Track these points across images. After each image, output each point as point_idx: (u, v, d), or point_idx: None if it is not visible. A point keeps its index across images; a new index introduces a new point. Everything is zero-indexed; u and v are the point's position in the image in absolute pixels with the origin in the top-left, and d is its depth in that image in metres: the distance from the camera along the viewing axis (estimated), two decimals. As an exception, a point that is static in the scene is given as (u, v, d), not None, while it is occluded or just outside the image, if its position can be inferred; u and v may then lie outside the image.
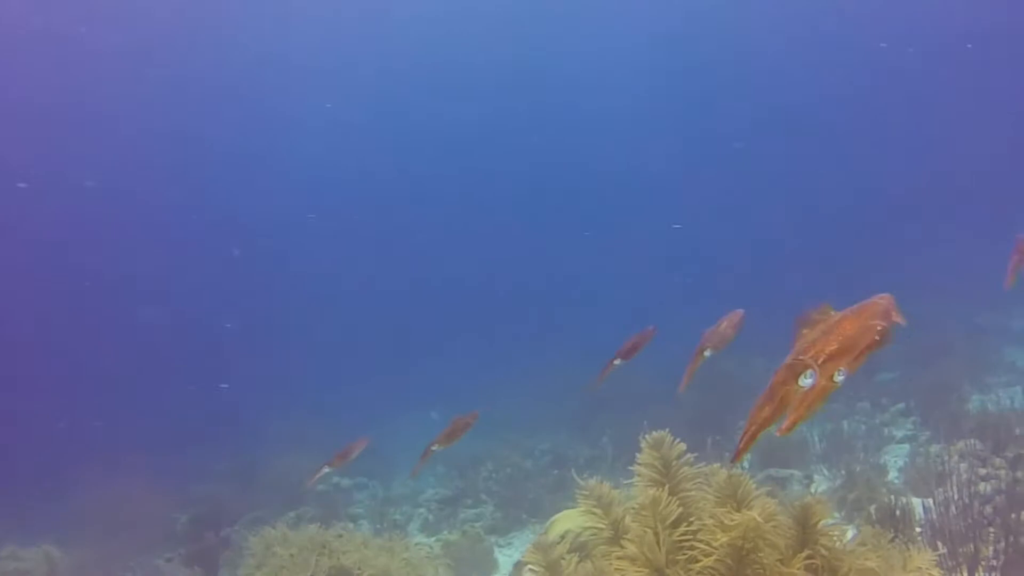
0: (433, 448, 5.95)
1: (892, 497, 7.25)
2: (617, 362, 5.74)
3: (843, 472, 8.78)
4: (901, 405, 11.98)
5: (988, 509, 5.78)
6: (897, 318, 2.61)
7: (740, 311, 5.32)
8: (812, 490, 8.81)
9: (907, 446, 10.10)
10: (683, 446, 3.81)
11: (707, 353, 5.18)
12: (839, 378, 2.34)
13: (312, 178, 38.03)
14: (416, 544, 8.97)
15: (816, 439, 10.05)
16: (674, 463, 3.82)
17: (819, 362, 2.35)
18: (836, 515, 7.85)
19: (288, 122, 36.88)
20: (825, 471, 9.33)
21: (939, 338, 14.92)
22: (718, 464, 3.93)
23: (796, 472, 9.35)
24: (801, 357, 2.35)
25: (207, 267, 34.95)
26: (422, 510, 11.80)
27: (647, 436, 3.84)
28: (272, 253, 37.15)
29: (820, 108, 38.51)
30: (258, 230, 37.03)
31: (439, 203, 40.53)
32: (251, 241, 35.80)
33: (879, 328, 2.52)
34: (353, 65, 35.81)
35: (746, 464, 9.97)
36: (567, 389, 15.40)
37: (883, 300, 2.66)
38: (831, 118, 38.70)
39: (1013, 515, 5.02)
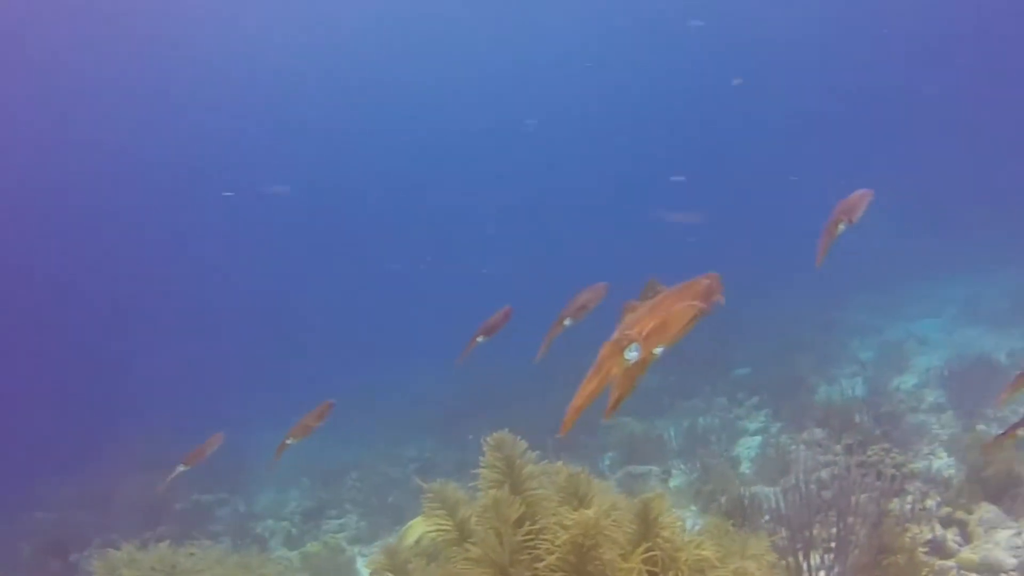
0: (288, 441, 5.79)
1: (743, 488, 7.52)
2: (480, 339, 5.80)
3: (699, 466, 9.03)
4: (755, 399, 12.42)
5: (827, 494, 6.03)
6: (718, 296, 2.70)
7: (603, 284, 5.42)
8: (669, 484, 9.05)
9: (760, 438, 10.46)
10: (525, 444, 3.81)
11: (566, 323, 5.28)
12: (657, 351, 2.41)
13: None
14: (276, 558, 8.72)
15: (673, 435, 10.33)
16: (517, 462, 3.81)
17: (643, 336, 2.40)
18: (692, 507, 8.07)
19: (153, 124, 35.21)
20: (682, 466, 9.57)
21: (792, 333, 15.66)
22: (561, 462, 3.95)
23: (654, 468, 9.58)
24: (627, 332, 2.40)
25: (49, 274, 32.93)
26: (285, 523, 11.48)
27: (489, 437, 3.83)
28: (126, 256, 35.45)
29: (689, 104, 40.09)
30: (104, 234, 35.21)
31: (307, 213, 39.84)
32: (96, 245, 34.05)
33: (701, 304, 2.60)
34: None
35: (607, 461, 10.17)
36: (435, 393, 15.39)
37: (706, 279, 2.74)
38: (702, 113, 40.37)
39: (845, 499, 5.26)
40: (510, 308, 5.98)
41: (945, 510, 6.26)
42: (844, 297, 19.00)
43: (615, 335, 2.40)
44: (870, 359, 13.91)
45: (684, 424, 10.77)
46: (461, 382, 14.85)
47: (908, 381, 12.10)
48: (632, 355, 2.35)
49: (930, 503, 6.46)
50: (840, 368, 13.74)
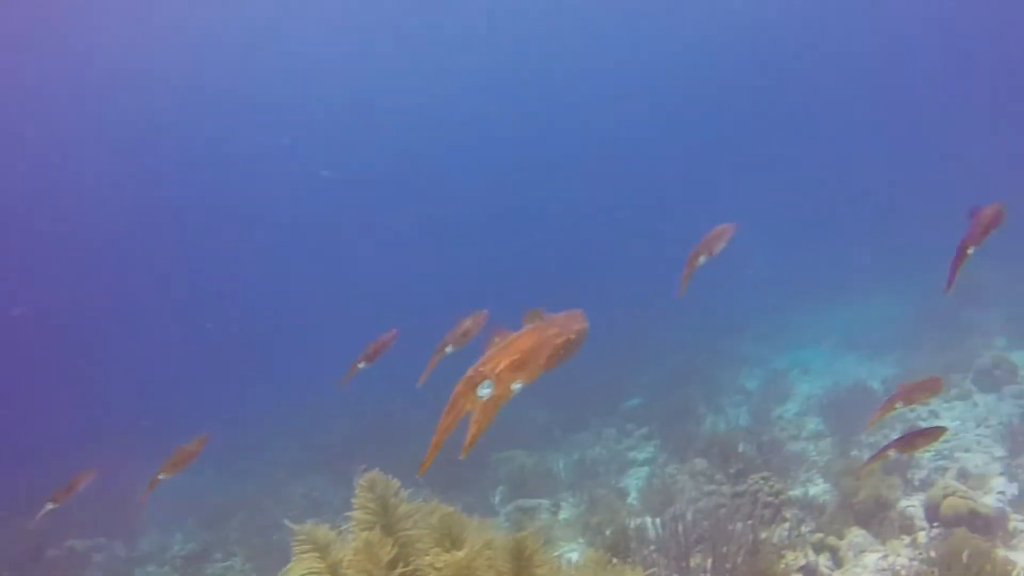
0: (160, 477, 5.61)
1: (629, 519, 7.60)
2: (361, 365, 5.81)
3: (587, 498, 9.09)
4: (645, 429, 12.58)
5: (707, 523, 6.15)
6: (577, 333, 2.72)
7: (484, 311, 5.47)
8: (559, 517, 9.07)
9: (648, 468, 10.58)
10: (398, 483, 3.77)
11: (448, 349, 5.32)
12: (515, 387, 2.42)
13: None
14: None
15: (563, 468, 10.38)
16: (391, 502, 3.77)
17: (496, 372, 2.41)
18: (580, 540, 8.10)
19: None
20: (571, 498, 9.62)
21: (683, 363, 15.98)
22: (436, 501, 3.91)
23: (544, 501, 9.59)
24: (480, 368, 2.41)
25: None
26: (167, 568, 11.02)
27: (361, 478, 3.77)
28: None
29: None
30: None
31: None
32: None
33: (558, 342, 2.63)
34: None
35: (498, 496, 10.14)
36: (328, 424, 15.08)
37: (567, 316, 2.77)
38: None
39: (723, 528, 5.37)
40: (394, 332, 5.97)
41: (817, 536, 6.46)
42: (735, 327, 19.55)
43: (468, 372, 2.41)
44: (756, 388, 14.33)
45: (574, 456, 10.84)
46: (354, 411, 14.64)
47: (790, 409, 12.51)
48: (485, 391, 2.37)
49: (805, 529, 6.66)
50: (728, 397, 14.08)
